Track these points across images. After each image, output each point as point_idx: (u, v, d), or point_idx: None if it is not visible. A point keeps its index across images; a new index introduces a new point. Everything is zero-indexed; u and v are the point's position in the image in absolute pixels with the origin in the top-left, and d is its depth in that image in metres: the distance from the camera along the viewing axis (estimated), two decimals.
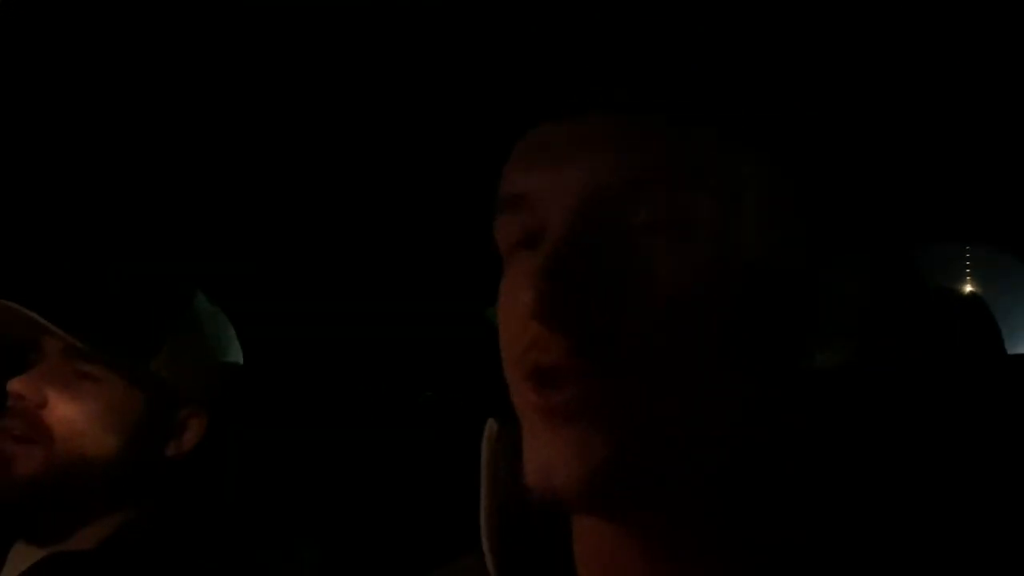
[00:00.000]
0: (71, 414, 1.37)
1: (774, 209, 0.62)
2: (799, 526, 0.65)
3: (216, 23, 1.80)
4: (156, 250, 1.89)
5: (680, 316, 0.59)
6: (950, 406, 0.77)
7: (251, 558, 1.55)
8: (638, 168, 0.60)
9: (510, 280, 0.64)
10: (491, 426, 0.69)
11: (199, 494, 1.51)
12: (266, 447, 1.87)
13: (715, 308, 0.60)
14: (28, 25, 1.82)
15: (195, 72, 1.89)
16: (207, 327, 1.48)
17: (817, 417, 0.66)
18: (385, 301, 1.98)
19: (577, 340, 0.59)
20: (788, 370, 0.63)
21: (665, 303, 0.59)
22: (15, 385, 1.37)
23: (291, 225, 2.06)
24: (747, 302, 0.61)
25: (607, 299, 0.59)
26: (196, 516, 1.50)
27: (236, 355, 1.52)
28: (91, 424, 1.37)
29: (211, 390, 1.46)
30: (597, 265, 0.60)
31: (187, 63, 1.88)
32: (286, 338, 1.98)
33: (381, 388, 2.00)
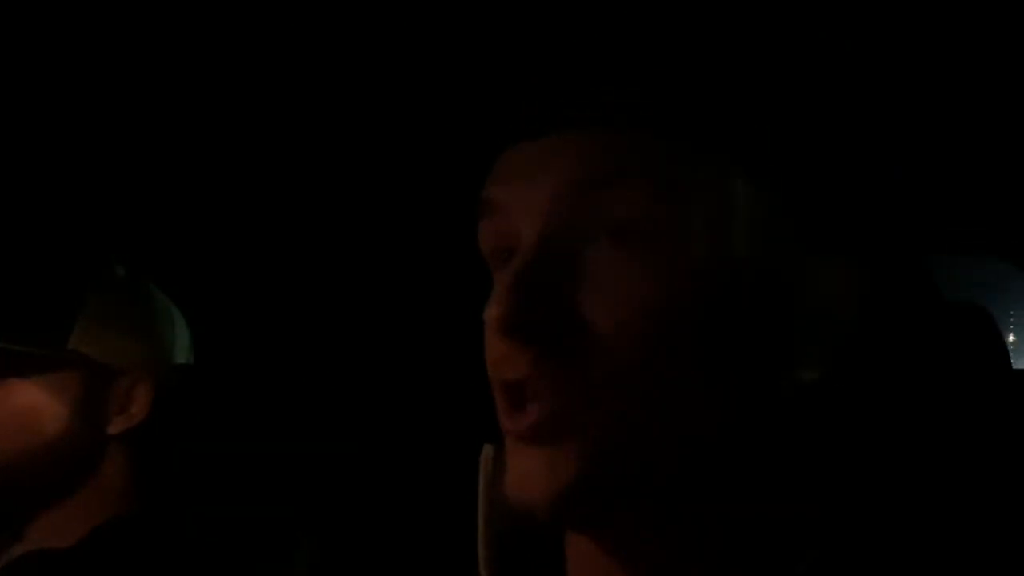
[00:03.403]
0: (1, 414, 1.37)
1: (747, 217, 0.62)
2: (782, 528, 0.64)
3: None
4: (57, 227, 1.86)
5: (647, 327, 0.59)
6: (949, 422, 0.76)
7: (239, 561, 1.53)
8: (603, 178, 0.60)
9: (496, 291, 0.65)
10: (487, 451, 0.69)
11: (183, 485, 1.50)
12: (260, 447, 1.86)
13: (683, 319, 0.60)
14: None
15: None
16: (127, 296, 1.46)
17: (792, 429, 0.65)
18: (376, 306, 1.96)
19: (539, 353, 0.60)
20: (764, 382, 0.63)
21: (632, 314, 0.59)
22: None
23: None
24: (717, 312, 0.61)
25: (573, 311, 0.60)
26: (182, 513, 1.49)
27: (166, 321, 1.49)
28: (21, 418, 1.37)
29: (147, 357, 1.44)
30: (564, 277, 0.60)
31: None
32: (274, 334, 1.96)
33: (375, 392, 1.98)
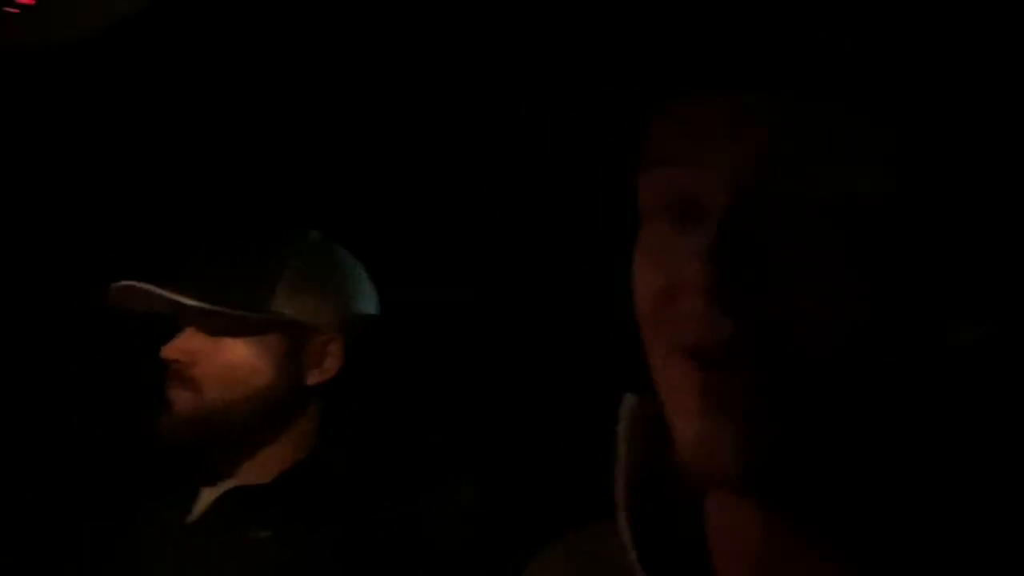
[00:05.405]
0: (214, 365, 1.56)
1: (933, 187, 0.61)
2: (939, 515, 0.64)
3: None
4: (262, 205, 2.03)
5: (846, 299, 0.59)
6: None
7: (408, 495, 1.67)
8: (801, 148, 0.59)
9: (653, 242, 0.64)
10: (629, 401, 0.70)
11: (359, 428, 1.66)
12: (427, 386, 1.97)
13: (880, 291, 0.59)
14: None
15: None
16: (321, 259, 1.63)
17: (961, 399, 0.65)
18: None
19: (745, 322, 0.58)
20: (937, 349, 0.62)
21: (831, 287, 0.59)
22: (166, 351, 1.58)
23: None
24: (908, 283, 0.60)
25: (774, 281, 0.59)
26: (359, 454, 1.65)
27: (356, 282, 1.65)
28: (232, 370, 1.56)
29: (340, 316, 1.60)
30: (764, 247, 0.59)
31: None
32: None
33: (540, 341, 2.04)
